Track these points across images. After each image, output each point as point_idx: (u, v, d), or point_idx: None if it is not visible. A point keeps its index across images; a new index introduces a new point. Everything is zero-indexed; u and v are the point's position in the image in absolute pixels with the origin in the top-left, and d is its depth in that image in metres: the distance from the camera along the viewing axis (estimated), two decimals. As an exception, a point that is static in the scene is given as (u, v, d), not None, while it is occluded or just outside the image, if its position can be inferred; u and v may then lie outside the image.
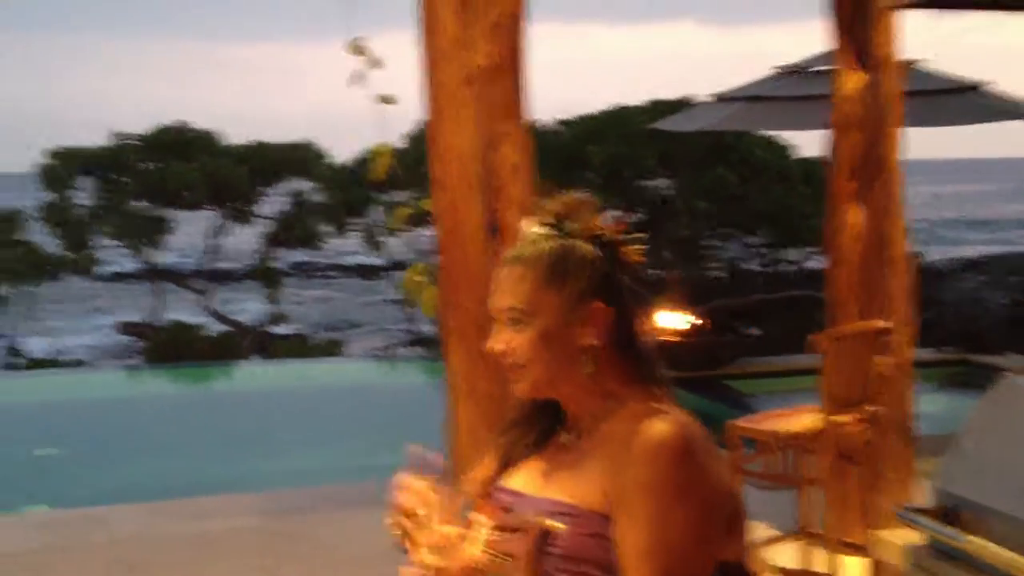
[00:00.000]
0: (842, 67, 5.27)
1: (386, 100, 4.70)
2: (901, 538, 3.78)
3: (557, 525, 1.57)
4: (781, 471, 4.77)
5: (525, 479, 1.86)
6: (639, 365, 1.85)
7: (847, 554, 4.85)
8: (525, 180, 4.22)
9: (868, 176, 5.19)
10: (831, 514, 4.80)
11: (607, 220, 1.87)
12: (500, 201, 4.19)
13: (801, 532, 4.90)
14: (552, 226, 1.86)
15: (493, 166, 4.22)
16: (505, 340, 1.85)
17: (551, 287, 1.81)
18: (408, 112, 4.38)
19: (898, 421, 5.12)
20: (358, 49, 4.69)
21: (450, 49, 4.16)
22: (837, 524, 4.90)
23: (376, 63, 4.66)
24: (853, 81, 5.23)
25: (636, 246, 1.87)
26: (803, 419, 4.81)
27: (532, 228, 1.88)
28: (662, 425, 1.72)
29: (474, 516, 1.66)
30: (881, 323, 4.98)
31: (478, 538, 1.62)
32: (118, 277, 31.90)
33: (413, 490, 1.75)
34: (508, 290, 1.84)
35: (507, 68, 4.20)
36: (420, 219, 4.23)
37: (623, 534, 1.69)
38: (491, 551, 1.59)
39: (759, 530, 5.22)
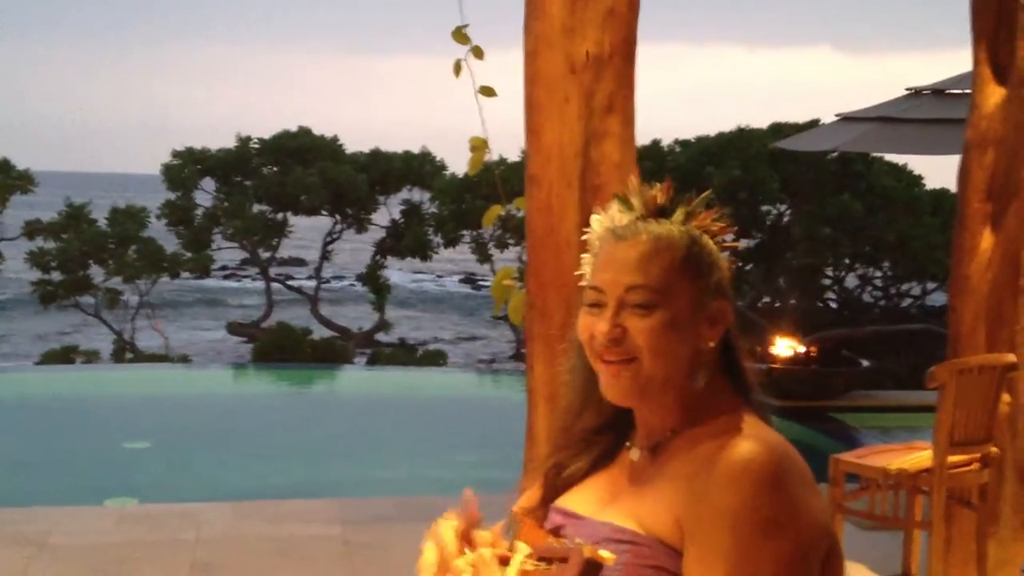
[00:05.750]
0: (981, 83, 4.89)
1: (486, 92, 4.51)
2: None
3: (608, 556, 1.28)
4: (887, 511, 4.42)
5: (583, 499, 1.62)
6: (737, 381, 1.61)
7: (950, 603, 4.49)
8: (627, 181, 3.94)
9: (1004, 198, 4.80)
10: (937, 559, 4.43)
11: (709, 217, 1.62)
12: (599, 201, 3.90)
13: (904, 577, 4.57)
14: (656, 213, 1.61)
15: (593, 163, 3.96)
16: (622, 323, 1.55)
17: (686, 274, 1.56)
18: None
19: (1019, 464, 4.70)
20: (463, 37, 4.51)
21: (556, 36, 3.94)
22: (942, 570, 4.52)
23: (479, 53, 4.47)
24: (992, 97, 4.85)
25: (728, 256, 1.63)
26: (914, 457, 4.49)
27: (636, 210, 1.62)
28: (751, 446, 1.46)
29: (515, 543, 1.38)
30: (1010, 357, 4.57)
31: (513, 566, 1.34)
32: (232, 278, 32.43)
33: (437, 537, 1.49)
34: (633, 267, 1.56)
35: (617, 59, 3.94)
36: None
37: (693, 569, 1.43)
38: None
39: (859, 572, 4.86)
